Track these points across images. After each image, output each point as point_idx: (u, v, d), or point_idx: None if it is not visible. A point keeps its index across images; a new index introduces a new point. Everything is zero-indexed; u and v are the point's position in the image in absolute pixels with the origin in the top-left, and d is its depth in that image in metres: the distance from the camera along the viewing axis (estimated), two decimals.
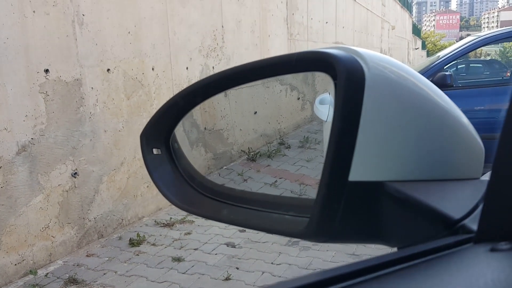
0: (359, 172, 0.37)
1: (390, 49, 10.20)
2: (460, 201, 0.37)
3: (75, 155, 3.19)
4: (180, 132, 0.62)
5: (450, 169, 0.43)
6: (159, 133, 0.53)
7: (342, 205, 0.37)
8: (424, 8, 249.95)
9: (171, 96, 0.54)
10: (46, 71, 2.94)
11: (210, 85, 0.50)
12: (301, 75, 0.55)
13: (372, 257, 0.26)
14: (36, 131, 2.89)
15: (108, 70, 3.44)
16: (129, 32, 3.60)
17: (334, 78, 0.39)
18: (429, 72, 4.20)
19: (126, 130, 3.62)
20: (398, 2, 21.67)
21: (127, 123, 3.63)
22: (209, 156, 1.04)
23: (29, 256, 2.90)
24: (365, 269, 0.24)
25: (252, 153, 0.91)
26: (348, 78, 0.37)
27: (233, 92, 0.64)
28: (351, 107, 0.37)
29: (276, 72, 0.46)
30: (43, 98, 2.93)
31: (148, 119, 0.55)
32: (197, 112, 0.64)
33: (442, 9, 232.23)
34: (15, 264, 2.81)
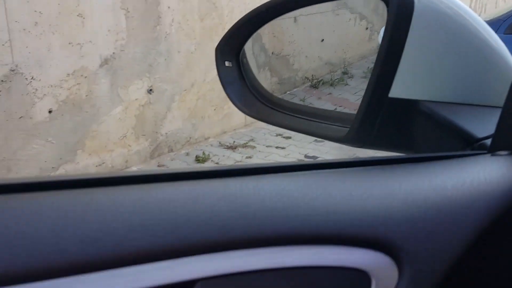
0: (398, 90, 0.42)
1: None
2: (486, 125, 0.40)
3: (151, 73, 3.38)
4: (249, 54, 0.68)
5: (483, 96, 0.46)
6: (231, 47, 0.61)
7: (380, 117, 0.42)
8: None
9: None
10: None
11: (273, 8, 0.56)
12: (372, 4, 0.57)
13: (388, 155, 0.31)
14: (117, 46, 3.08)
15: None
16: None
17: (388, 5, 0.43)
18: None
19: (198, 53, 3.72)
20: None
21: (199, 45, 3.72)
22: (274, 80, 1.09)
23: (108, 160, 3.24)
24: (376, 161, 0.29)
25: (315, 80, 0.94)
26: (398, 6, 0.41)
27: (302, 18, 0.68)
28: (398, 32, 0.41)
29: None
30: (124, 15, 3.07)
31: None
32: (266, 37, 0.69)
33: None
34: (96, 166, 3.17)
